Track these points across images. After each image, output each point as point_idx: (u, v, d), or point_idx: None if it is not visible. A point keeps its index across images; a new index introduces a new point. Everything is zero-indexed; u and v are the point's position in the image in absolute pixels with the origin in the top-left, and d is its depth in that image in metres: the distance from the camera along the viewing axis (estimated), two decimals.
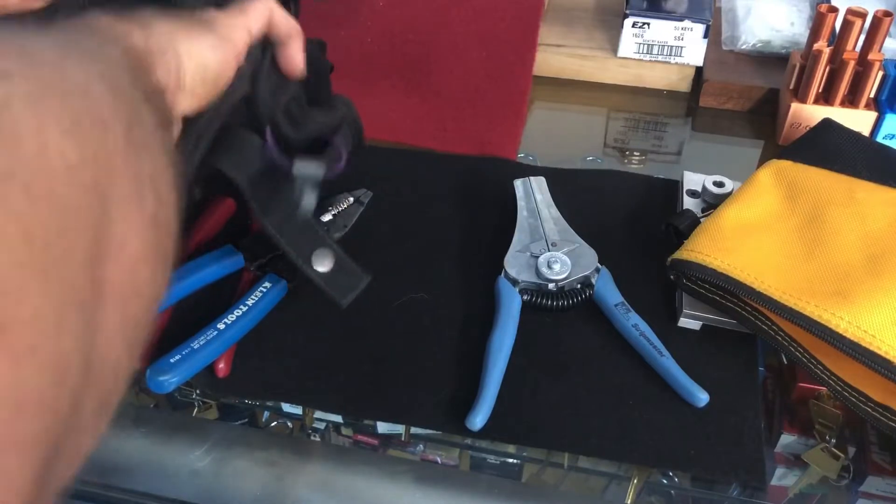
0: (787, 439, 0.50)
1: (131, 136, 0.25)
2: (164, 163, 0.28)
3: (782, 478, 0.49)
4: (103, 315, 0.23)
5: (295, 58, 0.48)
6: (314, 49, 0.59)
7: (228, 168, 0.47)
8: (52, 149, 0.21)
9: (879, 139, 0.66)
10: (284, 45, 0.48)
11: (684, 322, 0.53)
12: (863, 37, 0.63)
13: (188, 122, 0.43)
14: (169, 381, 0.47)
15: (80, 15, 0.33)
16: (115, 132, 0.24)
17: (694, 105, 0.75)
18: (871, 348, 0.44)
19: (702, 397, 0.48)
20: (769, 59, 0.74)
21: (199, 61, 0.39)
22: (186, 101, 0.39)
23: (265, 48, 0.48)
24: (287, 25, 0.48)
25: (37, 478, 0.20)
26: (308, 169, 0.50)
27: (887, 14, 0.62)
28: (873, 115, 0.65)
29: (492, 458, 0.51)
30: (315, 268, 0.49)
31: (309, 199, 0.49)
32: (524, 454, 0.50)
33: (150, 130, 0.27)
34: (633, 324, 0.52)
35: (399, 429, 0.52)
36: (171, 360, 0.48)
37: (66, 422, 0.21)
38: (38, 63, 0.23)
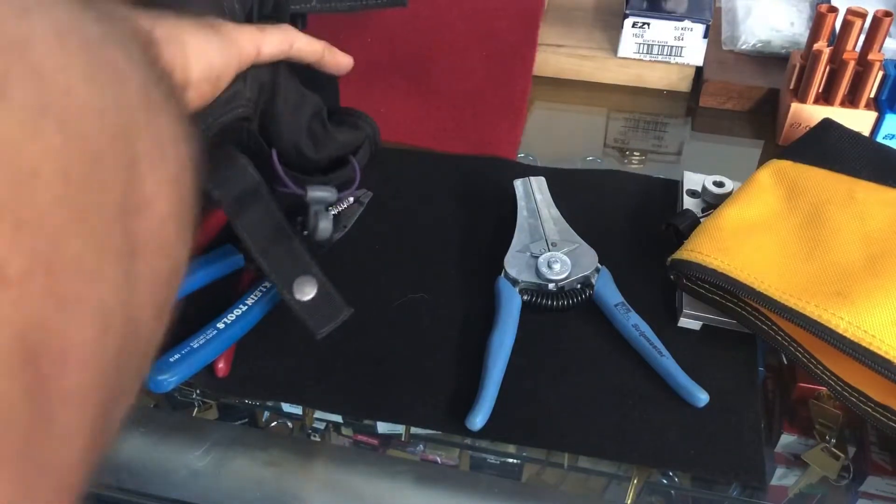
0: (787, 439, 0.50)
1: (148, 95, 0.25)
2: (182, 131, 0.27)
3: (782, 478, 0.49)
4: (136, 270, 0.22)
5: (337, 65, 0.50)
6: None
7: (213, 186, 0.47)
8: (78, 91, 0.20)
9: (879, 139, 0.66)
10: (320, 64, 0.48)
11: (684, 322, 0.53)
12: (863, 37, 0.63)
13: None
14: (168, 380, 0.47)
15: None
16: (133, 87, 0.24)
17: (694, 105, 0.75)
18: (871, 348, 0.44)
19: (702, 397, 0.48)
20: (769, 59, 0.74)
21: (206, 59, 0.39)
22: (191, 95, 0.39)
23: (277, 67, 0.48)
24: (312, 51, 0.48)
25: (91, 436, 0.19)
26: (321, 193, 0.49)
27: (887, 14, 0.62)
28: (873, 115, 0.65)
29: (492, 458, 0.51)
30: (296, 295, 0.48)
31: (324, 225, 0.49)
32: (524, 454, 0.50)
33: (166, 97, 0.27)
34: (633, 324, 0.52)
35: (399, 429, 0.52)
36: (171, 360, 0.48)
37: (111, 381, 0.20)
38: (56, 4, 0.22)
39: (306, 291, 0.49)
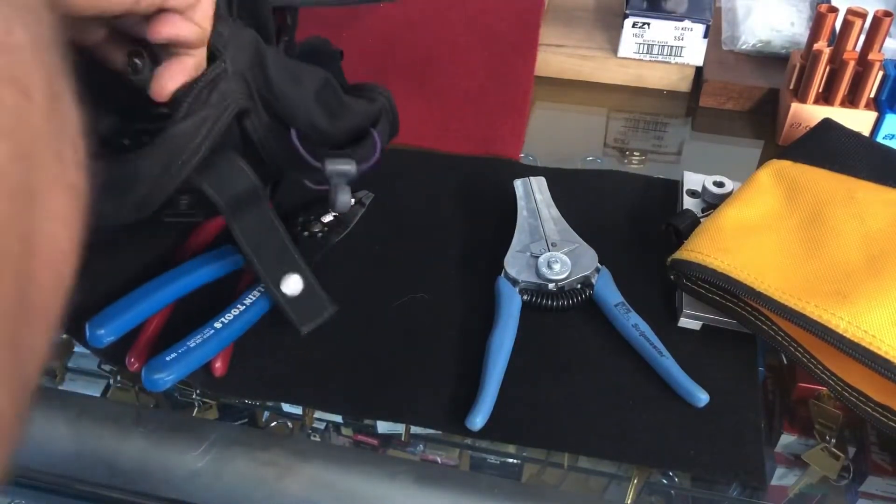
0: (787, 439, 0.50)
1: (52, 92, 0.24)
2: (78, 111, 0.26)
3: (782, 478, 0.49)
4: (27, 331, 0.22)
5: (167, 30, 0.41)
6: (321, 43, 0.59)
7: (208, 188, 0.48)
8: None
9: (879, 139, 0.66)
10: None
11: (684, 322, 0.53)
12: (863, 37, 0.63)
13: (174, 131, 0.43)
14: (164, 379, 0.47)
15: None
16: (39, 99, 0.23)
17: (694, 105, 0.75)
18: (871, 348, 0.44)
19: (702, 397, 0.48)
20: (769, 59, 0.74)
21: None
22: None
23: (256, 49, 0.47)
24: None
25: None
26: (340, 166, 0.50)
27: (887, 14, 0.62)
28: (873, 115, 0.65)
29: (492, 458, 0.51)
30: (282, 289, 0.50)
31: (343, 198, 0.49)
32: (524, 454, 0.50)
33: (65, 70, 0.25)
34: (633, 324, 0.52)
35: (399, 429, 0.52)
36: (167, 359, 0.47)
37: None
38: None
39: (293, 287, 0.50)
